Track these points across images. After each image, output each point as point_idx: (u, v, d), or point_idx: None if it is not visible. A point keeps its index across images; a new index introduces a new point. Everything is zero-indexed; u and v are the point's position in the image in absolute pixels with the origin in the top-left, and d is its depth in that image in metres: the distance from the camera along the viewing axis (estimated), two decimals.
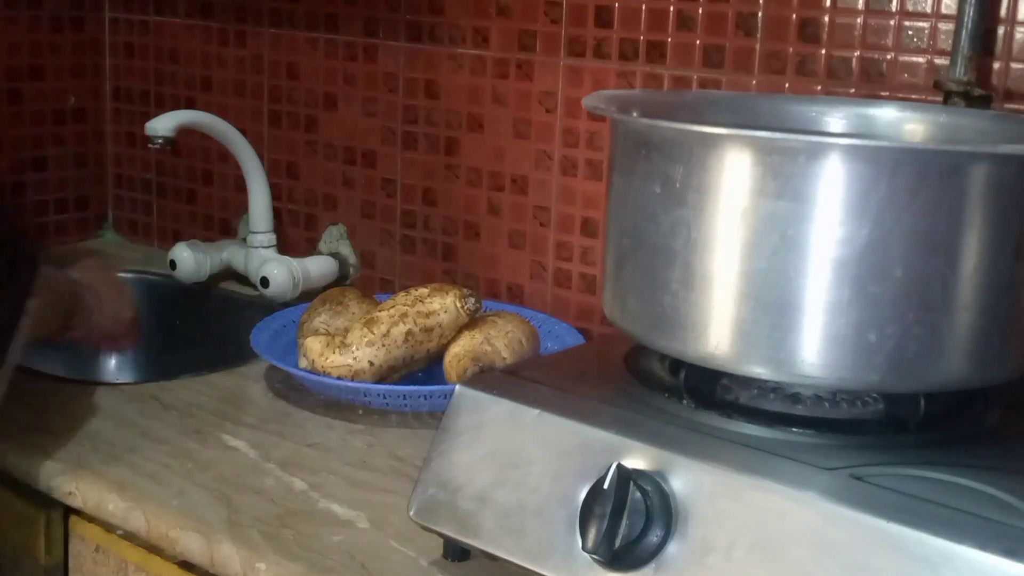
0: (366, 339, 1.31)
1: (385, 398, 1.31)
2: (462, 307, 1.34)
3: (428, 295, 1.35)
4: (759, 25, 1.36)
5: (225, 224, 1.92)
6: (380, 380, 1.32)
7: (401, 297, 1.36)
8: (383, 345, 1.31)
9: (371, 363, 1.31)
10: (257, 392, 1.40)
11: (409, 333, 1.32)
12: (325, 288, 1.71)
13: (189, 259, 1.75)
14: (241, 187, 1.79)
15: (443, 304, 1.34)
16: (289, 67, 1.80)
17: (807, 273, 0.88)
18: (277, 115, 1.82)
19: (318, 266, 1.73)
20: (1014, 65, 1.21)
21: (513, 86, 1.56)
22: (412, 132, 1.66)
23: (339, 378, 1.30)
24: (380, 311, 1.34)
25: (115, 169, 2.08)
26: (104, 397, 1.37)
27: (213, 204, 1.94)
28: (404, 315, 1.33)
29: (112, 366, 1.82)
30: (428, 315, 1.33)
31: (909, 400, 0.95)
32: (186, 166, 1.96)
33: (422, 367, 1.38)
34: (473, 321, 1.35)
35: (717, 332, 0.92)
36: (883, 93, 1.28)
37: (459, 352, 1.32)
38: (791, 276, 0.89)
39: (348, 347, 1.31)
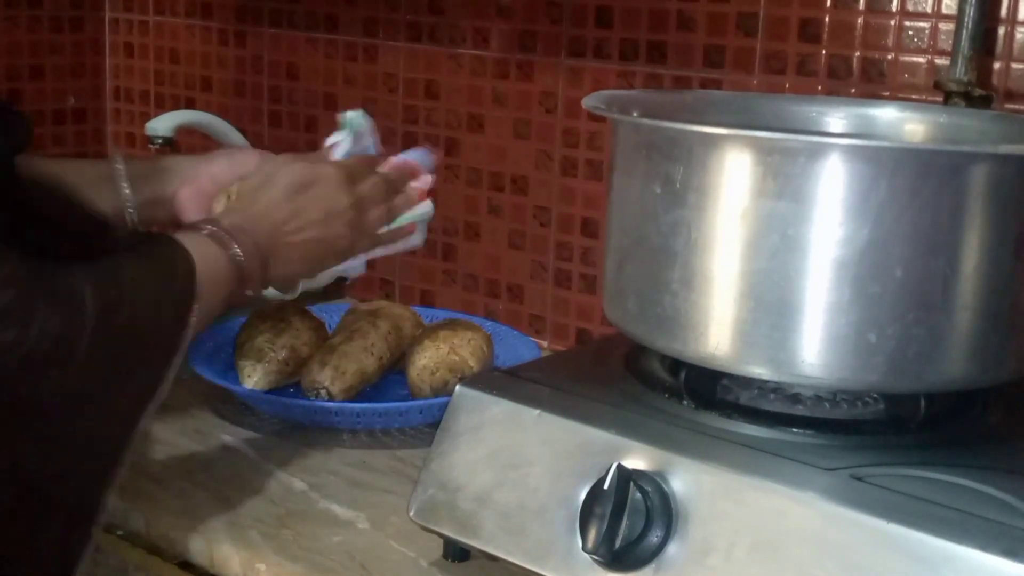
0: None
1: (359, 416, 1.28)
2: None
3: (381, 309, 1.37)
4: (760, 25, 1.36)
5: None
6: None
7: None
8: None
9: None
10: None
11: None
12: (325, 289, 1.71)
13: None
14: None
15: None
16: (289, 67, 1.80)
17: (807, 273, 0.88)
18: (277, 115, 1.82)
19: None
20: (1014, 65, 1.21)
21: (513, 86, 1.55)
22: (412, 132, 1.66)
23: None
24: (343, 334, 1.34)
25: None
26: None
27: None
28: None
29: None
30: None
31: (909, 400, 0.95)
32: None
33: (374, 381, 1.34)
34: (431, 331, 1.33)
35: (717, 332, 0.92)
36: (883, 93, 1.28)
37: (429, 364, 1.29)
38: (791, 276, 0.89)
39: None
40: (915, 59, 1.27)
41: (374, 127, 1.24)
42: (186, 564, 1.10)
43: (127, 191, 1.17)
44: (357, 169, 1.16)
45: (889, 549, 0.78)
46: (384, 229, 1.18)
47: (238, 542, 1.05)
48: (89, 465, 0.94)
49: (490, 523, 0.95)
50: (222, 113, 1.79)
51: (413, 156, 1.23)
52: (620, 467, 0.87)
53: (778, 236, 0.89)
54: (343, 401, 1.28)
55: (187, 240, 1.00)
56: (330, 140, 1.22)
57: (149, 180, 1.19)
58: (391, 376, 1.36)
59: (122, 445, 0.95)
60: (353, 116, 1.22)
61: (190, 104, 1.92)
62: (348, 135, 1.21)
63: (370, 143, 1.22)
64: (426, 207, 1.21)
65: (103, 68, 2.04)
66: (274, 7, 1.80)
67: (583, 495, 0.89)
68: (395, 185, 1.19)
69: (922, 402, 0.94)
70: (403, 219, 1.19)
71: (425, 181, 1.22)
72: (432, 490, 0.99)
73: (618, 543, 0.86)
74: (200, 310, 0.98)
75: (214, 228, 1.03)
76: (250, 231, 1.05)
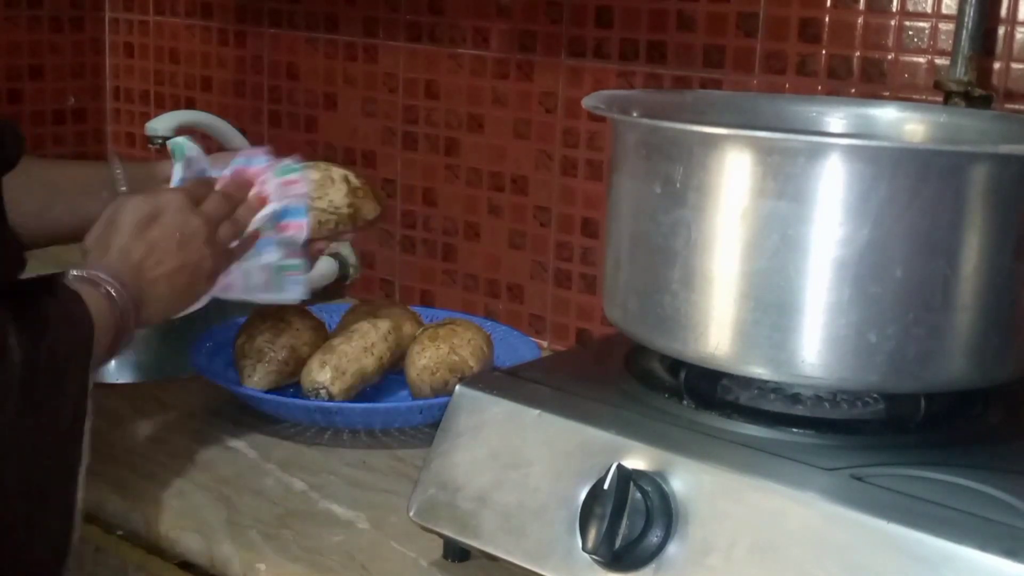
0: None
1: (359, 416, 1.28)
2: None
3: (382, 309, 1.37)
4: (760, 25, 1.36)
5: None
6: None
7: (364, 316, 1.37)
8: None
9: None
10: None
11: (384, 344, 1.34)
12: (325, 289, 1.71)
13: None
14: None
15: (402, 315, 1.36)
16: (289, 67, 1.80)
17: (807, 273, 0.88)
18: (277, 115, 1.82)
19: (318, 267, 1.72)
20: (1014, 65, 1.21)
21: (513, 86, 1.56)
22: (412, 132, 1.66)
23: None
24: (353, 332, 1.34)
25: None
26: (104, 397, 1.37)
27: None
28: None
29: (112, 366, 1.82)
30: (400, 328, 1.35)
31: (909, 400, 0.95)
32: None
33: (374, 381, 1.34)
34: (431, 331, 1.33)
35: (717, 332, 0.92)
36: (883, 93, 1.28)
37: (429, 364, 1.29)
38: (791, 276, 0.89)
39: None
40: (915, 59, 1.27)
41: (203, 151, 1.23)
42: (186, 564, 1.10)
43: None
44: (196, 190, 1.15)
45: (889, 549, 0.78)
46: (234, 244, 1.17)
47: (238, 542, 1.05)
48: (36, 534, 0.93)
49: (490, 523, 0.95)
50: (222, 113, 1.79)
51: (245, 161, 1.22)
52: (620, 467, 0.87)
53: (778, 236, 0.89)
54: (343, 401, 1.28)
55: (83, 291, 1.00)
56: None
57: (146, 186, 1.19)
58: (391, 376, 1.36)
59: (67, 500, 0.95)
60: (180, 143, 1.22)
61: (190, 104, 1.92)
62: (179, 163, 1.21)
63: (203, 166, 1.22)
64: (268, 209, 1.19)
65: (103, 68, 2.04)
66: (274, 7, 1.80)
67: (583, 495, 0.89)
68: (235, 197, 1.18)
69: (922, 402, 0.94)
70: (250, 226, 1.18)
71: (265, 185, 1.20)
72: (432, 490, 0.99)
73: (618, 543, 0.85)
74: (94, 364, 0.99)
75: (98, 276, 1.02)
76: (116, 278, 1.03)
